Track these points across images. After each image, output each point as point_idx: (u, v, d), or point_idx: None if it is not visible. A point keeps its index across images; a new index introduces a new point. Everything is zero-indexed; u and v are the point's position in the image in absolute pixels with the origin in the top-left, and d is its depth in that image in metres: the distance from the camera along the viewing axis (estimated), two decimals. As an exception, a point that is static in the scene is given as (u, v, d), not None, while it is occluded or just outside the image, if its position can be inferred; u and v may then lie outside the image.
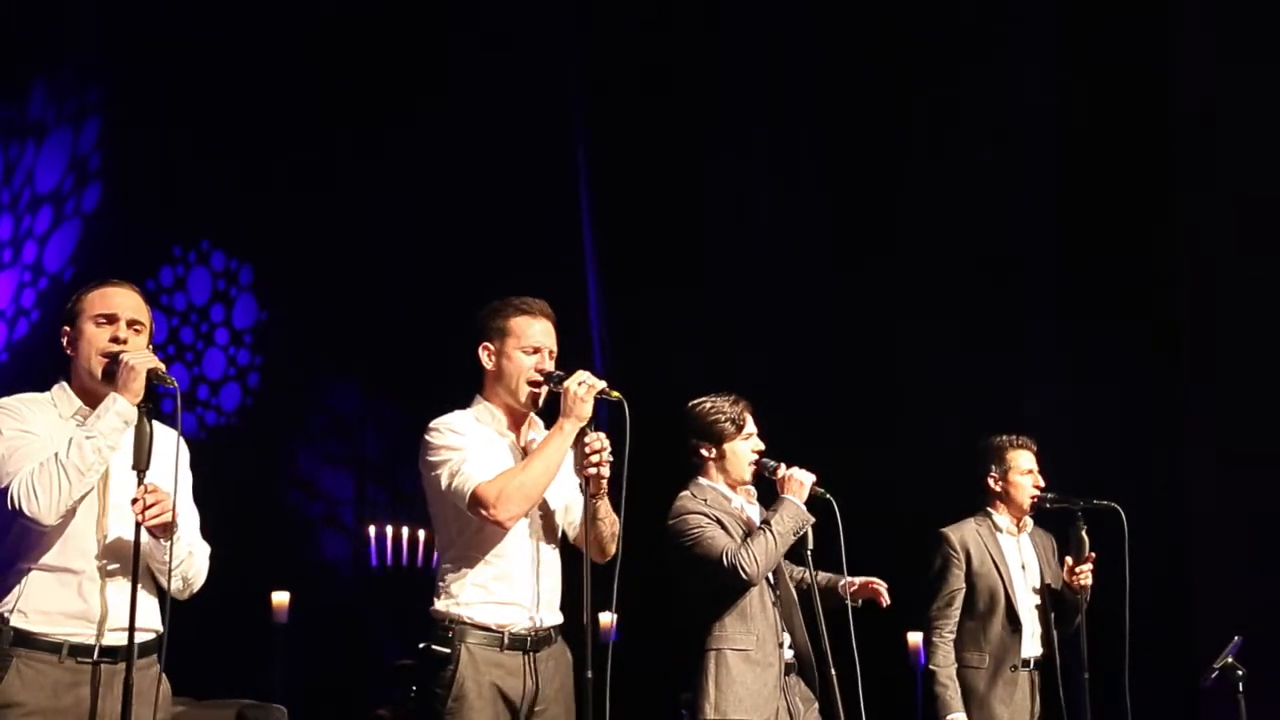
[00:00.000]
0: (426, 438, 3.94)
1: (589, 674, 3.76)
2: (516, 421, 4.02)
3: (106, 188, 8.68)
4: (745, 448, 4.73)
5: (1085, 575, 5.27)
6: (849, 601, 4.81)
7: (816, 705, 4.66)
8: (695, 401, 4.79)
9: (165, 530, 3.42)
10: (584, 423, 3.85)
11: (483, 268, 8.31)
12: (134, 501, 3.38)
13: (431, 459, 3.90)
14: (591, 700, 3.78)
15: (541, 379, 3.96)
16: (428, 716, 3.86)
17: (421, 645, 3.89)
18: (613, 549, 4.00)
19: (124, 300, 3.56)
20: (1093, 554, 5.27)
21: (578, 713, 3.94)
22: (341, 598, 8.96)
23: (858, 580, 4.86)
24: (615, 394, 3.88)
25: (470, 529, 3.88)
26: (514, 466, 3.88)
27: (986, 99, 8.22)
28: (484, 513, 3.80)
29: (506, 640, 3.88)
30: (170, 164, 8.73)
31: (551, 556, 4.01)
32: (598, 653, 3.79)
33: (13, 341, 8.38)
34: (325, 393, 9.61)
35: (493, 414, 3.99)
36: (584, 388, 3.84)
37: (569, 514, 4.03)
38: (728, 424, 4.71)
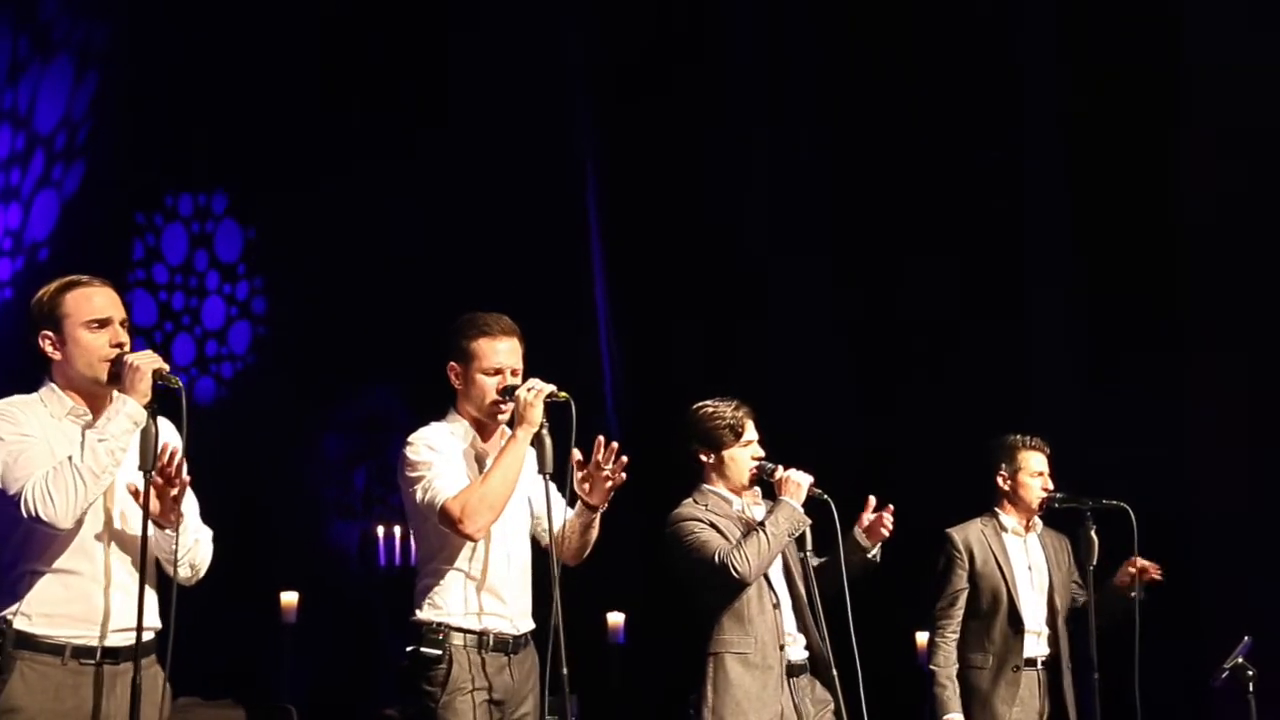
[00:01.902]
0: (404, 452, 4.04)
1: (564, 670, 3.83)
2: (488, 433, 4.12)
3: (89, 166, 8.45)
4: (744, 455, 4.72)
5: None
6: (869, 548, 4.79)
7: (832, 706, 4.66)
8: (696, 405, 4.78)
9: (171, 520, 3.42)
10: (535, 428, 3.94)
11: (487, 274, 8.30)
12: (136, 495, 3.38)
13: (408, 474, 4.01)
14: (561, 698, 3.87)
15: (500, 399, 4.04)
16: (421, 714, 3.94)
17: (410, 649, 3.98)
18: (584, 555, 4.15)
19: (108, 300, 3.54)
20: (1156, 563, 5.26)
21: (556, 710, 4.01)
22: (350, 597, 8.92)
23: (863, 518, 4.81)
24: (564, 395, 3.98)
25: (450, 541, 3.98)
26: (475, 480, 3.97)
27: (991, 98, 8.21)
28: (453, 527, 3.91)
29: (491, 643, 3.99)
30: (164, 147, 8.59)
31: (526, 564, 4.12)
32: (558, 651, 3.84)
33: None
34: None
35: (466, 428, 4.10)
36: (532, 393, 3.94)
37: (541, 521, 4.10)
38: (726, 431, 4.71)
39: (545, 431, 3.94)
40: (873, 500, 4.88)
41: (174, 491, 3.42)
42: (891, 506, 4.87)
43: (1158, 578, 5.28)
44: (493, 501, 3.91)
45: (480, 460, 4.07)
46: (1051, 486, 5.42)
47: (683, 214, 8.74)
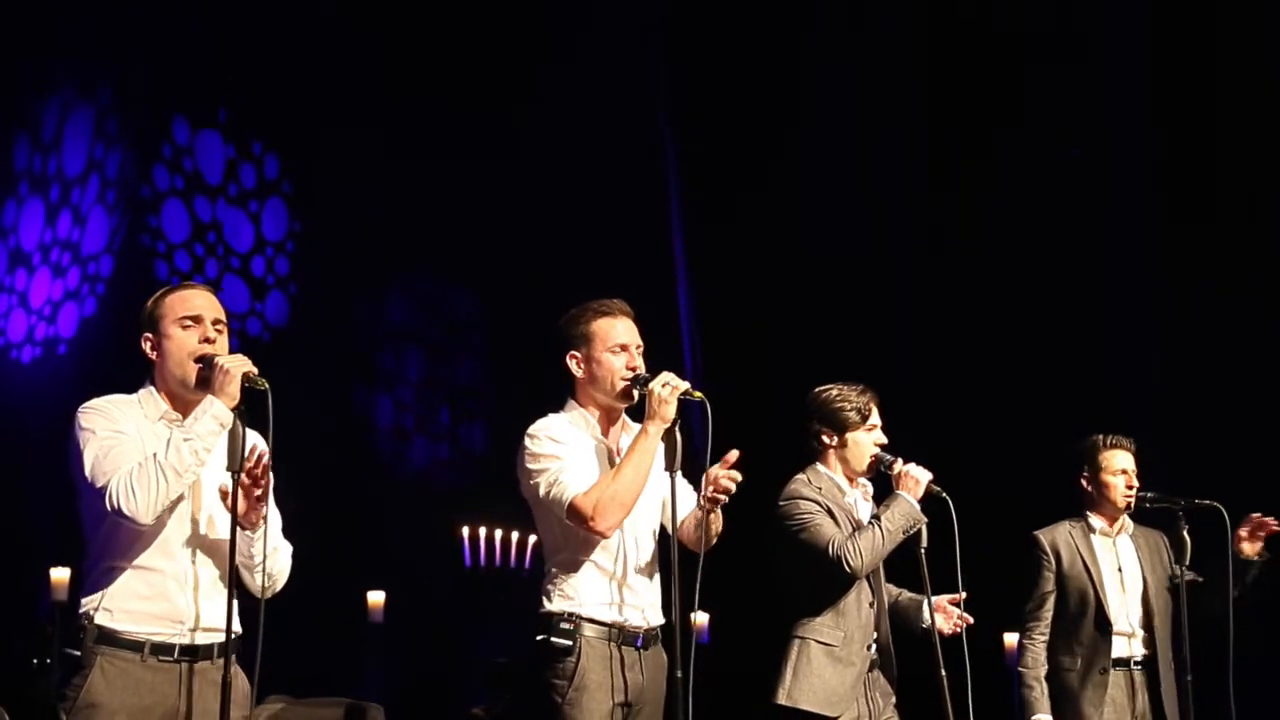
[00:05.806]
0: (526, 444, 3.99)
1: (679, 673, 3.78)
2: (610, 423, 4.07)
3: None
4: (868, 439, 4.68)
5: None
6: (929, 627, 4.65)
7: (894, 699, 4.64)
8: (822, 388, 4.75)
9: (253, 521, 3.48)
10: (668, 424, 3.89)
11: (570, 267, 8.32)
12: (225, 495, 3.44)
13: (531, 467, 3.96)
14: (682, 700, 3.78)
15: (631, 378, 3.99)
16: (545, 707, 3.88)
17: (540, 638, 3.92)
18: (712, 544, 4.05)
19: (204, 301, 3.62)
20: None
21: (667, 713, 3.95)
22: (436, 597, 8.98)
23: (943, 601, 4.72)
24: (698, 394, 3.92)
25: (577, 534, 3.93)
26: (606, 475, 3.92)
27: (1078, 95, 8.13)
28: (584, 524, 3.86)
29: (622, 636, 3.94)
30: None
31: (654, 556, 4.06)
32: (687, 652, 3.79)
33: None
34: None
35: (586, 418, 4.05)
36: (668, 389, 3.89)
37: (665, 511, 4.05)
38: (853, 413, 4.67)
39: (676, 429, 3.89)
40: (963, 595, 4.74)
41: (258, 492, 3.47)
42: (963, 604, 4.73)
43: (1277, 528, 5.16)
44: (624, 499, 3.87)
45: (604, 451, 4.02)
46: (1137, 484, 5.33)
47: (765, 205, 8.75)
